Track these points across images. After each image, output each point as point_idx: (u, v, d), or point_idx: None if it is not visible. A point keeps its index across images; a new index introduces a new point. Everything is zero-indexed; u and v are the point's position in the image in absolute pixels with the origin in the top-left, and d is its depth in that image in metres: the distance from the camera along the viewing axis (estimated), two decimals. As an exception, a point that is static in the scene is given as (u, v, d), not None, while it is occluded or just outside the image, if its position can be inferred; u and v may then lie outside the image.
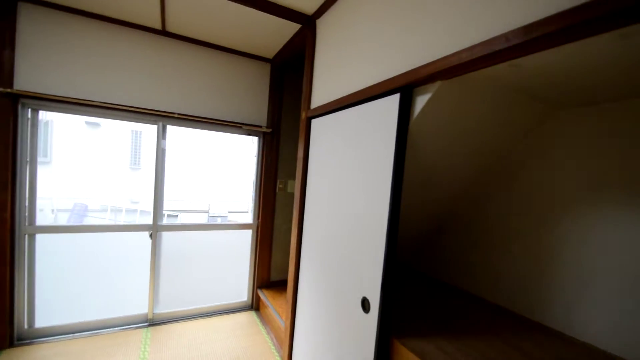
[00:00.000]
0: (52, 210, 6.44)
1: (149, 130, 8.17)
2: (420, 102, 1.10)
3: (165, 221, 2.34)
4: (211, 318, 2.49)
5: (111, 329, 2.18)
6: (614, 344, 1.15)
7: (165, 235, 2.36)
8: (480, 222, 1.70)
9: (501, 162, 1.58)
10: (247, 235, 2.71)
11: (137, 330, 2.21)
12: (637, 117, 1.14)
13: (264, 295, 2.57)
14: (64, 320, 2.09)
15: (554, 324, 1.33)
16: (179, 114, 2.23)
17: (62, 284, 2.09)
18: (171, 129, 2.32)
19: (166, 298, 2.41)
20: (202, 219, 9.43)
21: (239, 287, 2.74)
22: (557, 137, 1.37)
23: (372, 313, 1.18)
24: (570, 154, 1.32)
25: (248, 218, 2.77)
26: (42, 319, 2.04)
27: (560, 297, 1.32)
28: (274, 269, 2.77)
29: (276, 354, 2.06)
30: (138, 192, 8.17)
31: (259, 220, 2.65)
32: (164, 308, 2.40)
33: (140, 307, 2.32)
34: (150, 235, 2.27)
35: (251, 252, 2.70)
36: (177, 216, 8.38)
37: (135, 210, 7.95)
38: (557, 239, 1.35)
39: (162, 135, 2.27)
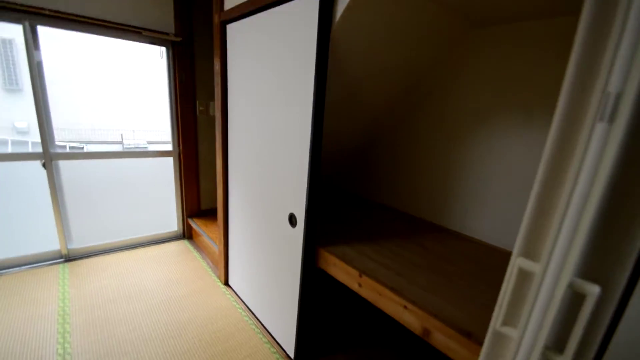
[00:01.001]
0: None
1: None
2: (342, 4, 1.04)
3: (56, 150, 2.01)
4: (139, 249, 2.43)
5: (18, 267, 1.99)
6: (499, 238, 1.46)
7: (66, 165, 2.06)
8: (403, 141, 1.85)
9: (423, 81, 1.66)
10: (169, 164, 2.52)
11: (51, 267, 2.06)
12: (560, 36, 1.18)
13: (196, 224, 2.56)
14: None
15: (453, 226, 1.63)
16: (50, 10, 1.74)
17: None
18: (48, 34, 1.82)
19: (81, 232, 2.23)
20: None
21: (168, 217, 2.66)
22: (473, 56, 1.46)
23: (298, 227, 1.28)
24: (484, 73, 1.44)
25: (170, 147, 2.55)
26: None
27: (459, 203, 1.59)
28: (204, 198, 2.72)
29: (212, 274, 2.17)
30: (23, 118, 6.68)
31: (180, 147, 2.46)
32: (81, 243, 2.24)
33: (50, 243, 2.11)
34: (44, 165, 1.95)
35: (175, 182, 2.57)
36: (82, 148, 7.30)
37: (25, 142, 6.61)
38: (463, 154, 1.56)
39: (32, 41, 1.78)
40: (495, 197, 1.45)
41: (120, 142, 7.98)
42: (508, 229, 1.42)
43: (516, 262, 0.36)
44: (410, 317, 0.95)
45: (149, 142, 8.77)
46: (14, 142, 6.27)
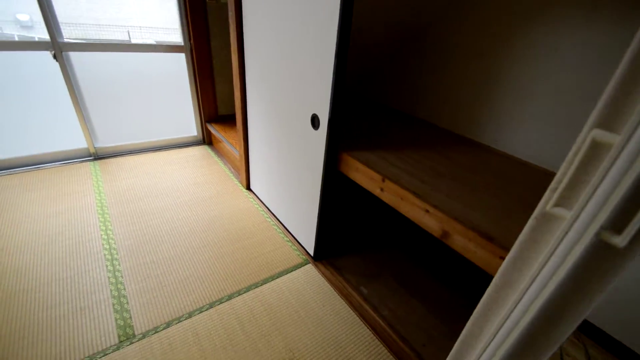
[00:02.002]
0: None
1: None
2: None
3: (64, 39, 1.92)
4: (162, 152, 2.53)
5: (52, 163, 2.14)
6: (529, 153, 1.40)
7: (77, 57, 1.99)
8: (436, 46, 1.63)
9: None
10: (181, 61, 2.40)
11: (82, 163, 2.21)
12: None
13: (215, 130, 2.57)
14: (-11, 157, 1.97)
15: (482, 140, 1.56)
16: None
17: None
18: None
19: (105, 131, 2.31)
20: (127, 54, 8.11)
21: (186, 121, 2.68)
22: None
23: (321, 129, 1.24)
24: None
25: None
26: (-41, 157, 1.90)
27: (493, 117, 1.48)
28: (221, 103, 2.66)
29: (234, 179, 2.27)
30: (24, 10, 6.29)
31: (191, 41, 2.29)
32: (106, 142, 2.34)
33: (77, 141, 2.22)
34: (55, 56, 1.89)
35: (190, 81, 2.48)
36: (92, 48, 7.02)
37: (32, 38, 6.42)
38: (508, 61, 1.37)
39: None
40: (534, 116, 1.33)
41: (128, 41, 7.57)
42: (543, 147, 1.34)
43: (590, 134, 0.32)
44: (430, 220, 0.98)
45: (157, 42, 8.30)
46: (20, 38, 6.09)
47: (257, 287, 1.40)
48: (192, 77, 2.46)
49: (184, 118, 2.65)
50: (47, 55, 1.89)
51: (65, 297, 1.24)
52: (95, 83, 2.14)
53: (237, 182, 2.23)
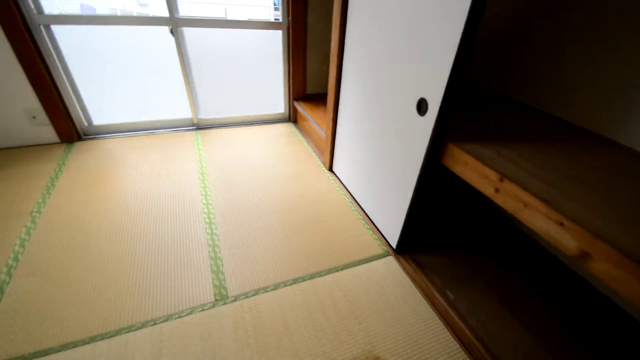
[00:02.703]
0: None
1: None
2: None
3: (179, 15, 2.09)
4: (252, 127, 2.68)
5: (162, 129, 2.44)
6: None
7: (188, 32, 2.18)
8: (577, 21, 1.32)
9: None
10: (278, 38, 2.45)
11: (187, 132, 2.46)
12: None
13: (302, 108, 2.61)
14: (118, 119, 2.32)
15: (625, 140, 1.25)
16: None
17: (100, 83, 2.17)
18: None
19: (206, 105, 2.52)
20: (222, 31, 8.69)
21: (275, 98, 2.77)
22: None
23: (429, 115, 1.13)
24: None
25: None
26: (98, 118, 2.27)
27: (630, 110, 1.16)
28: (310, 81, 2.67)
29: (317, 159, 2.29)
30: (144, -9, 7.24)
31: (290, 17, 2.30)
32: (207, 114, 2.56)
33: (183, 112, 2.47)
34: (172, 31, 2.09)
35: (284, 59, 2.53)
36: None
37: (146, 14, 7.31)
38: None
39: None
40: None
41: (224, 18, 8.12)
42: None
43: None
44: (564, 236, 0.82)
45: (249, 20, 8.74)
46: (137, 14, 7.00)
47: (336, 271, 1.40)
48: (286, 55, 2.50)
49: (273, 95, 2.74)
50: (165, 30, 2.10)
51: (173, 251, 1.41)
52: (201, 58, 2.32)
53: (319, 162, 2.25)
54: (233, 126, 2.64)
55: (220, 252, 1.43)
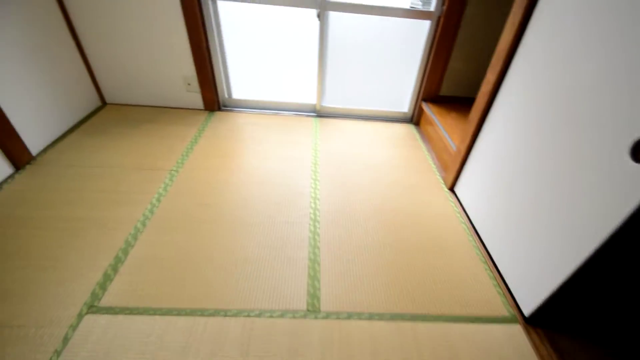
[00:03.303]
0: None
1: None
2: None
3: None
4: (370, 122, 2.52)
5: (286, 111, 2.50)
6: None
7: (333, 17, 2.11)
8: None
9: None
10: (424, 29, 2.17)
11: (307, 118, 2.47)
12: None
13: (430, 110, 2.31)
14: (251, 95, 2.47)
15: None
16: None
17: (243, 58, 2.31)
18: None
19: (330, 93, 2.46)
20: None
21: (400, 95, 2.53)
22: None
23: (656, 170, 0.76)
24: None
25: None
26: (236, 91, 2.46)
27: None
28: (447, 80, 2.33)
29: (437, 172, 2.00)
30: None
31: (444, 6, 1.99)
32: (329, 102, 2.51)
33: (308, 97, 2.48)
34: (318, 16, 2.05)
35: (423, 54, 2.25)
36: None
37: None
38: None
39: None
40: None
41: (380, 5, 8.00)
42: None
43: None
44: None
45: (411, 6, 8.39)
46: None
47: (444, 321, 1.16)
48: (427, 48, 2.21)
49: (399, 92, 2.51)
50: (312, 13, 2.06)
51: (278, 242, 1.40)
52: (338, 44, 2.23)
53: (439, 177, 1.95)
54: (351, 118, 2.53)
55: (319, 255, 1.35)
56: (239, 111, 2.45)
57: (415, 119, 2.55)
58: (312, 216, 1.55)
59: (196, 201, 1.55)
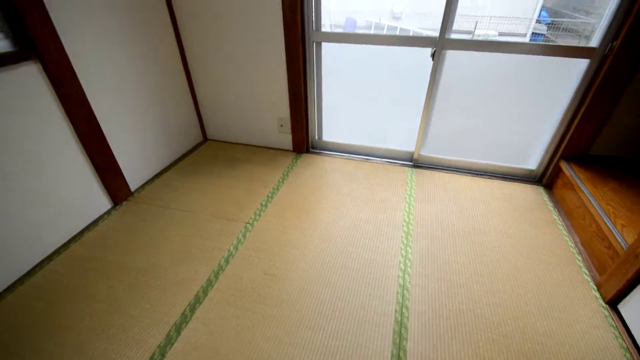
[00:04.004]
0: (330, 26, 7.23)
1: None
2: None
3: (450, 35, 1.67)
4: (481, 178, 2.03)
5: (378, 158, 2.22)
6: None
7: (451, 56, 1.76)
8: None
9: None
10: (576, 69, 1.63)
11: (402, 167, 2.13)
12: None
13: (574, 172, 1.71)
14: (341, 138, 2.28)
15: None
16: None
17: (339, 97, 2.14)
18: None
19: (434, 139, 2.09)
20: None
21: (527, 147, 1.97)
22: None
23: None
24: None
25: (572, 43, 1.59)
26: (327, 133, 2.30)
27: None
28: (605, 136, 1.70)
29: (585, 271, 1.41)
30: (400, 2, 7.44)
31: (616, 43, 1.43)
32: (430, 151, 2.13)
33: (407, 143, 2.15)
34: (433, 55, 1.74)
35: (572, 99, 1.69)
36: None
37: (394, 28, 7.54)
38: None
39: None
40: None
41: (471, 32, 7.30)
42: None
43: None
44: None
45: (501, 34, 7.46)
46: (389, 28, 7.32)
47: None
48: (580, 94, 1.65)
49: (524, 142, 1.96)
50: (426, 52, 1.76)
51: (355, 311, 1.10)
52: (452, 84, 1.86)
53: (588, 278, 1.37)
54: (456, 172, 2.09)
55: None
56: (327, 155, 2.27)
57: (546, 179, 1.95)
58: (398, 315, 1.19)
59: (263, 268, 1.38)
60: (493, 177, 2.05)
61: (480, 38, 7.32)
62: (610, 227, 1.37)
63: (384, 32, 7.66)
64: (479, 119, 1.94)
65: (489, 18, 7.36)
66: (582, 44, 1.52)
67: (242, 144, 2.39)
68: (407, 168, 2.12)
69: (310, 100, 2.11)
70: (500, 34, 7.64)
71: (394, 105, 2.06)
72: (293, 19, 1.74)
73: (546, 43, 1.59)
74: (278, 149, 2.32)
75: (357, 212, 1.72)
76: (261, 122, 2.24)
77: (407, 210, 1.74)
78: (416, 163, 2.16)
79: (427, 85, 1.85)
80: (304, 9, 1.76)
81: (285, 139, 2.26)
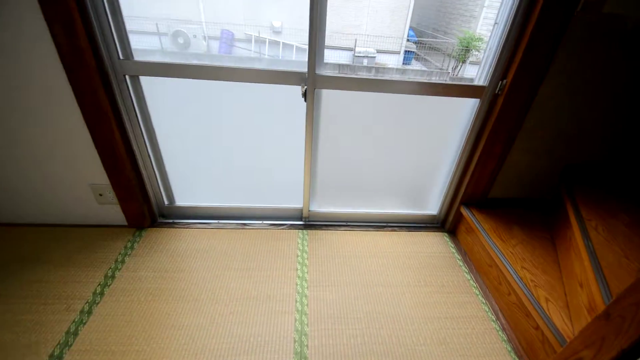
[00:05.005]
0: (204, 37, 6.42)
1: None
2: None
3: (322, 71, 1.26)
4: (380, 232, 1.71)
5: (259, 221, 1.67)
6: None
7: (327, 95, 1.35)
8: None
9: None
10: (465, 109, 1.43)
11: (290, 231, 1.64)
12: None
13: (477, 222, 1.52)
14: (206, 201, 1.65)
15: None
16: None
17: (191, 152, 1.52)
18: None
19: (324, 191, 1.67)
20: (344, 58, 8.14)
21: (426, 193, 1.75)
22: None
23: None
24: None
25: (472, 73, 1.40)
26: (182, 195, 1.64)
27: None
28: (502, 179, 1.56)
29: (512, 355, 1.16)
30: (279, 17, 7.16)
31: (507, 80, 1.25)
32: (321, 206, 1.71)
33: (293, 198, 1.68)
34: (305, 94, 1.29)
35: (466, 141, 1.49)
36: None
37: (277, 43, 7.22)
38: None
39: None
40: None
41: (352, 49, 7.58)
42: None
43: None
44: None
45: (378, 51, 8.01)
46: (271, 43, 6.97)
47: None
48: (474, 136, 1.46)
49: (423, 186, 1.73)
50: (296, 90, 1.31)
51: None
52: (336, 128, 1.47)
53: (508, 349, 1.11)
54: (355, 227, 1.72)
55: None
56: (186, 225, 1.61)
57: (450, 225, 1.75)
58: None
59: None
60: (395, 228, 1.75)
61: (361, 55, 7.71)
62: (532, 301, 1.15)
63: (252, 52, 7.11)
64: (370, 164, 1.61)
65: (366, 36, 7.84)
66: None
67: (46, 226, 1.50)
68: (297, 231, 1.64)
69: (144, 155, 1.42)
70: (379, 51, 8.26)
71: (273, 152, 1.56)
72: (75, 47, 1.05)
73: (429, 81, 1.33)
74: (104, 227, 1.53)
75: (238, 303, 1.13)
76: (67, 195, 1.42)
77: (300, 298, 1.25)
78: (307, 222, 1.71)
79: (303, 128, 1.41)
80: (94, 29, 1.08)
81: (113, 212, 1.50)
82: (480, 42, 6.84)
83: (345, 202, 1.72)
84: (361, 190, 1.69)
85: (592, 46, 1.18)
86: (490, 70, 1.28)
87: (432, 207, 1.79)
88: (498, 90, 1.30)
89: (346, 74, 1.35)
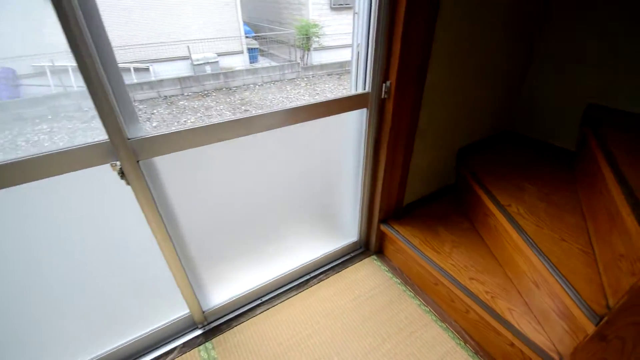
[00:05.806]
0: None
1: None
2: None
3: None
4: (303, 293, 1.37)
5: (146, 356, 1.08)
6: None
7: (163, 161, 0.87)
8: None
9: None
10: (356, 122, 1.19)
11: (184, 356, 1.11)
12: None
13: (402, 237, 1.35)
14: None
15: None
16: None
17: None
18: None
19: (214, 273, 1.20)
20: (182, 69, 7.21)
21: (341, 220, 1.49)
22: None
23: None
24: None
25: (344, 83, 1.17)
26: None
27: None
28: (414, 183, 1.42)
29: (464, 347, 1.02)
30: (55, 32, 5.62)
31: (390, 82, 1.05)
32: (221, 297, 1.24)
33: (169, 308, 1.14)
34: (122, 172, 0.78)
35: (365, 155, 1.27)
36: (147, 69, 6.31)
37: (65, 69, 5.63)
38: None
39: None
40: None
41: (188, 57, 6.73)
42: None
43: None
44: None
45: (219, 54, 7.37)
46: (75, 69, 5.48)
47: None
48: (372, 149, 1.24)
49: (338, 215, 1.46)
50: (108, 170, 0.78)
51: None
52: (195, 188, 1.01)
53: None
54: (274, 300, 1.33)
55: None
56: None
57: (374, 245, 1.55)
58: None
59: None
60: (321, 276, 1.44)
61: (200, 62, 6.95)
62: (496, 317, 1.03)
63: (52, 88, 5.28)
64: (266, 212, 1.22)
65: (200, 41, 7.10)
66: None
67: None
68: (195, 350, 1.13)
69: None
70: (220, 55, 7.63)
71: (102, 269, 0.98)
72: None
73: (304, 105, 1.01)
74: None
75: None
76: None
77: None
78: (206, 326, 1.21)
79: (141, 213, 0.90)
80: None
81: None
82: (316, 28, 7.09)
83: (249, 271, 1.29)
84: (264, 247, 1.28)
85: (468, 12, 1.08)
86: (369, 72, 1.06)
87: (351, 233, 1.55)
88: (384, 95, 1.09)
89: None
